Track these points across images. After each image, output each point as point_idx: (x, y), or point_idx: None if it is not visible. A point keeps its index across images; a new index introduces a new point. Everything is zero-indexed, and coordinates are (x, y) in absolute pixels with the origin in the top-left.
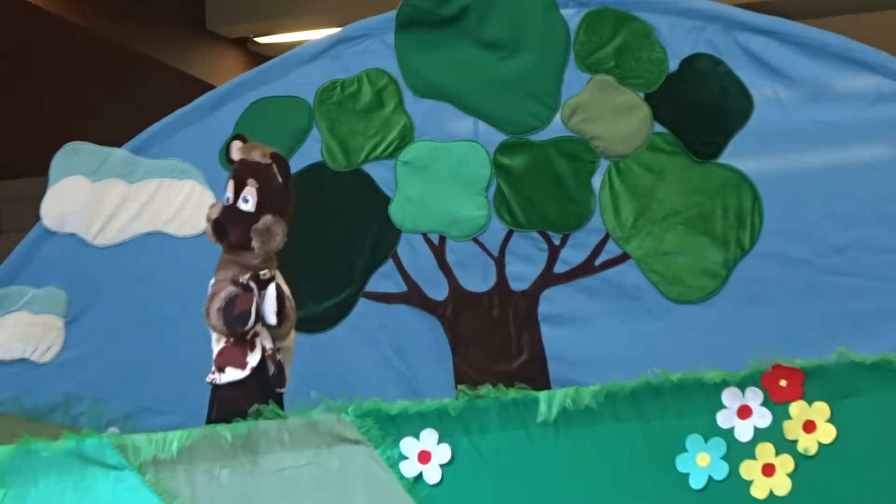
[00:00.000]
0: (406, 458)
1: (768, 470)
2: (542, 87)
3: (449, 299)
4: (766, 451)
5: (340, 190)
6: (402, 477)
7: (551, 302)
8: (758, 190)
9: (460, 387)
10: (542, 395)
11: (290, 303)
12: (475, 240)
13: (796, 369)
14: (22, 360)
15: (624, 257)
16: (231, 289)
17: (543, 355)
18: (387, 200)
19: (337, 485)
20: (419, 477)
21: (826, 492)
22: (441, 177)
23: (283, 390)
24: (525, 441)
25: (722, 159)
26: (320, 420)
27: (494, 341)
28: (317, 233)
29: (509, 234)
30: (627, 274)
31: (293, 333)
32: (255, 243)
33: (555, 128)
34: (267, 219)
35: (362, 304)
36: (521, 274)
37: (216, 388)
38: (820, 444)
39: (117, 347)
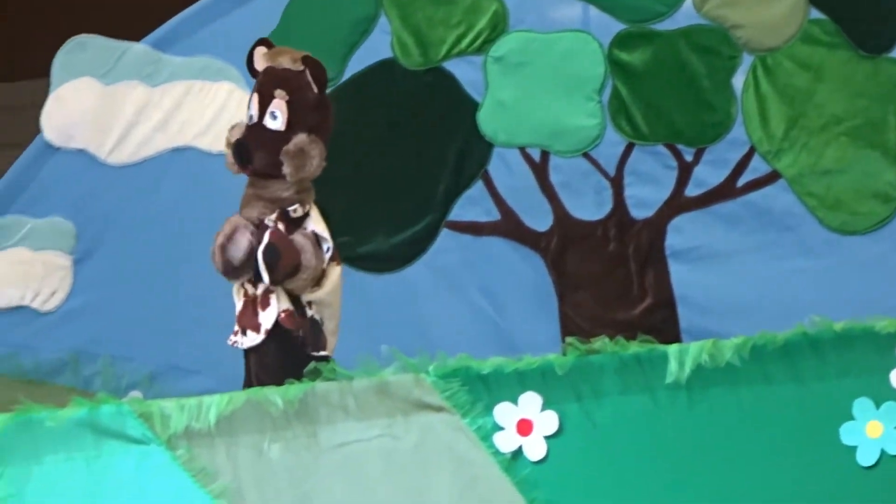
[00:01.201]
0: (502, 428)
1: None
2: None
3: (553, 230)
4: None
5: (416, 93)
6: (496, 452)
7: (682, 233)
8: None
9: (569, 339)
10: (672, 349)
11: (305, 252)
12: (586, 155)
13: None
14: (20, 309)
15: (773, 177)
16: (239, 222)
17: (672, 300)
18: (474, 106)
19: (414, 462)
20: (518, 452)
21: None
22: (542, 77)
23: (324, 353)
24: (650, 407)
25: None
26: (394, 382)
27: (611, 283)
28: (386, 148)
29: (629, 149)
30: (777, 197)
31: (331, 283)
32: (286, 169)
33: (685, 14)
34: (300, 138)
35: (445, 236)
36: (645, 198)
37: (246, 353)
38: None
39: (138, 292)
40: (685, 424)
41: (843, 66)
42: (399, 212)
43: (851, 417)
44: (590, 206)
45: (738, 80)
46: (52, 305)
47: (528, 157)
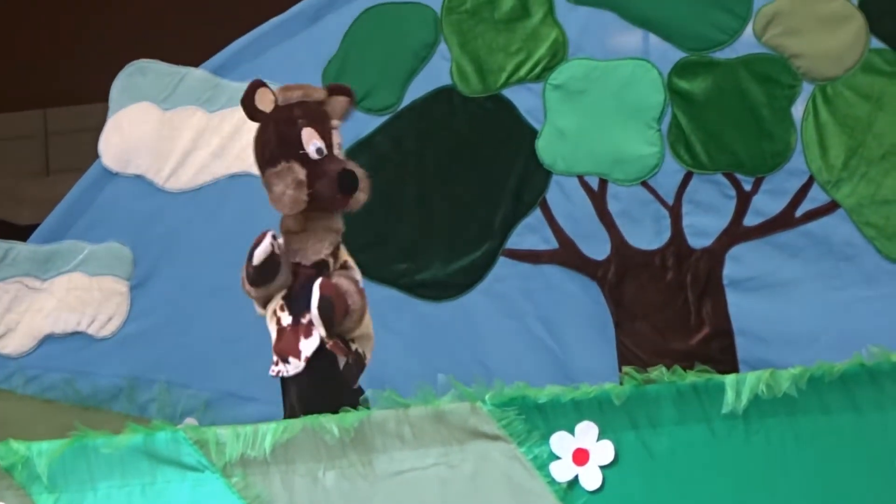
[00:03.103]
0: (558, 457)
1: None
2: None
3: (611, 259)
4: None
5: (474, 120)
6: (552, 482)
7: (740, 262)
8: None
9: (625, 369)
10: (729, 379)
11: (351, 295)
12: (644, 184)
13: None
14: (76, 335)
15: (832, 206)
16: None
17: (730, 329)
18: (533, 134)
19: (470, 491)
20: (574, 482)
21: None
22: (602, 105)
23: (356, 386)
24: (707, 437)
25: None
26: (450, 410)
27: (668, 312)
28: (444, 175)
29: (688, 178)
30: (836, 227)
31: (367, 315)
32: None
33: (745, 43)
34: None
35: (502, 264)
36: (703, 227)
37: (284, 383)
38: None
39: (194, 319)
40: (742, 454)
41: None
42: (457, 239)
43: None
44: (648, 234)
45: (798, 110)
46: (108, 331)
47: (586, 186)
